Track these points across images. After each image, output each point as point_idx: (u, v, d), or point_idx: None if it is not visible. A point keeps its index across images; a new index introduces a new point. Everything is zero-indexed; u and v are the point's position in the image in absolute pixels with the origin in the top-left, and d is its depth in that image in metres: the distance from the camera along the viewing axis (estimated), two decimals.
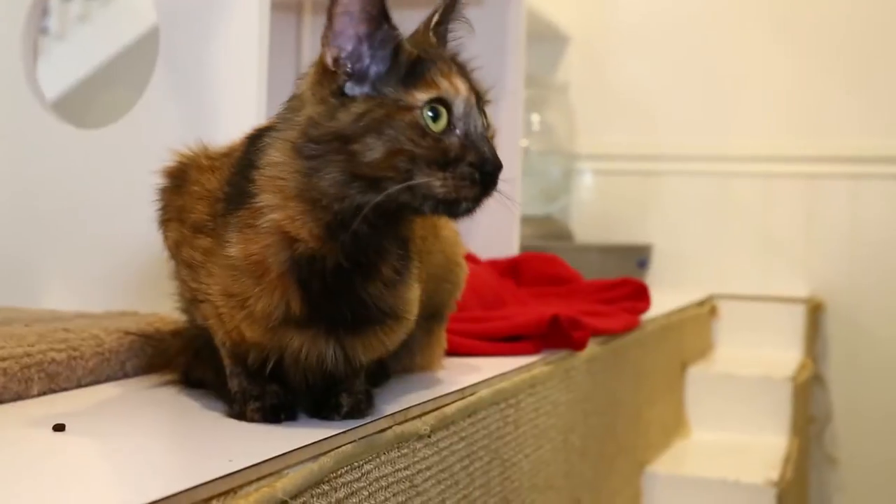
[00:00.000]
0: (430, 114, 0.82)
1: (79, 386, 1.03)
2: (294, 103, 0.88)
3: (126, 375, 1.10)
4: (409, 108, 0.81)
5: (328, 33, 0.84)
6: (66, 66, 3.65)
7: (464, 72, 0.87)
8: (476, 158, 0.82)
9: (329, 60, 0.84)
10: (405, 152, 0.80)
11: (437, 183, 0.81)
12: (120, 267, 1.38)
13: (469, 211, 0.84)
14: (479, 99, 0.86)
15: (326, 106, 0.83)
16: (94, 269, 1.41)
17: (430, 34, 0.90)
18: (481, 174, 0.81)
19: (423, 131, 0.81)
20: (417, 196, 0.81)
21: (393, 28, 0.84)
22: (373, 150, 0.80)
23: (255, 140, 0.89)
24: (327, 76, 0.84)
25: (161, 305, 1.28)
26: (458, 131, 0.83)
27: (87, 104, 3.45)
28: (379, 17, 0.83)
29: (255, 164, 0.86)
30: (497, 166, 0.83)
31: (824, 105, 2.90)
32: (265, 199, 0.85)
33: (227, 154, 0.94)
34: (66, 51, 3.76)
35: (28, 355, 0.97)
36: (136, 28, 3.57)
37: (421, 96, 0.82)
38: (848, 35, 2.89)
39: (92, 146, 1.42)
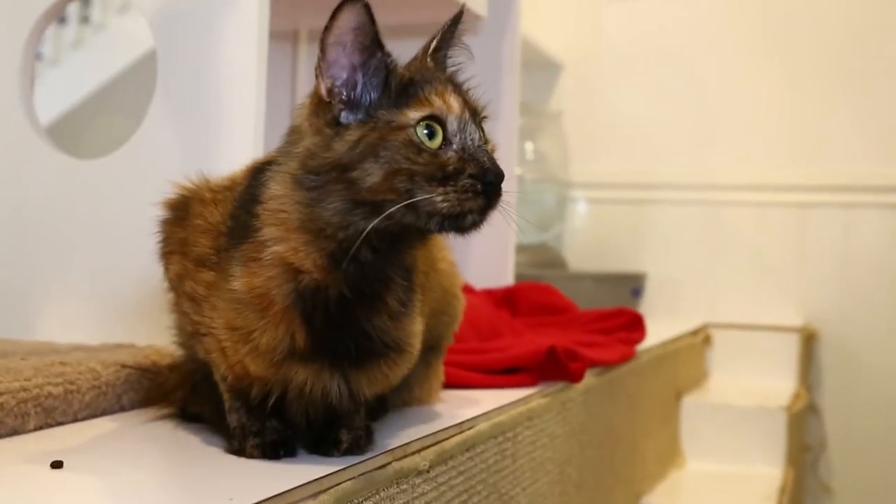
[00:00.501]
0: (424, 131, 0.82)
1: (75, 420, 1.03)
2: (293, 136, 0.88)
3: (122, 409, 1.09)
4: (402, 127, 0.82)
5: (322, 64, 0.84)
6: (59, 92, 3.66)
7: (459, 90, 0.88)
8: (476, 169, 0.81)
9: (323, 91, 0.85)
10: (403, 171, 0.80)
11: (438, 198, 0.80)
12: (116, 298, 1.38)
13: (476, 224, 0.83)
14: (476, 115, 0.87)
15: (322, 136, 0.84)
16: (90, 300, 1.40)
17: (429, 60, 0.91)
18: (484, 184, 0.81)
19: (419, 148, 0.81)
20: (421, 214, 0.81)
21: (386, 55, 0.85)
22: (371, 174, 0.81)
23: (258, 174, 0.89)
24: (322, 107, 0.85)
25: (157, 337, 1.28)
26: (454, 146, 0.83)
27: (80, 130, 3.46)
28: (372, 46, 0.84)
29: (258, 198, 0.86)
30: (499, 175, 0.82)
31: (816, 133, 2.92)
32: (268, 232, 0.85)
33: (229, 187, 0.94)
34: (59, 76, 3.77)
35: (25, 390, 0.96)
36: (129, 55, 3.58)
37: (413, 114, 0.82)
38: (840, 64, 2.91)
39: (88, 176, 1.42)
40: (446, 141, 0.83)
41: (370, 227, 0.81)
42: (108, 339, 1.34)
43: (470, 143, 0.83)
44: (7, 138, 1.47)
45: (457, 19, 0.93)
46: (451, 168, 0.81)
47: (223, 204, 0.91)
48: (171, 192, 0.97)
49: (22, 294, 1.45)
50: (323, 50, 0.84)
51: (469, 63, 0.95)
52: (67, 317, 1.42)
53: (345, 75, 0.84)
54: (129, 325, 1.37)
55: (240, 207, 0.88)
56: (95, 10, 3.82)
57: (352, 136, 0.82)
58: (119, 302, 1.37)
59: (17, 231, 1.46)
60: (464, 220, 0.82)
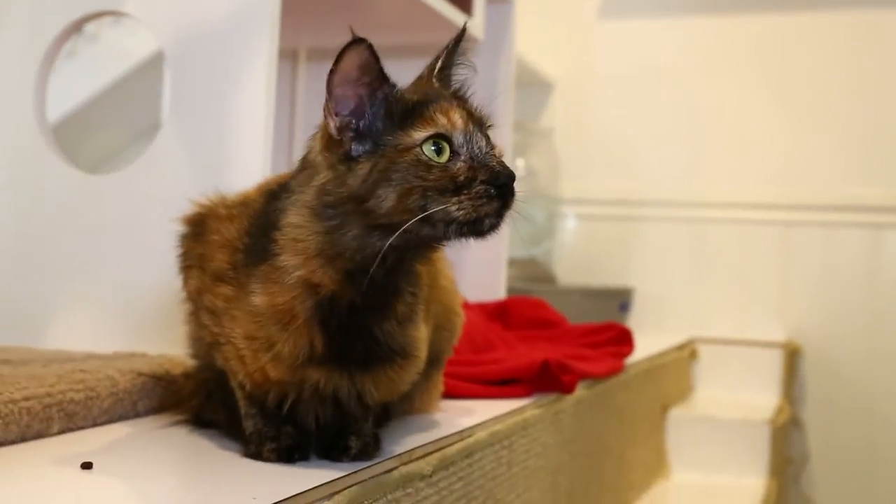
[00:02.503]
0: (432, 148, 0.86)
1: (94, 425, 1.07)
2: (307, 167, 0.92)
3: (138, 415, 1.14)
4: (409, 148, 0.86)
5: (329, 104, 0.88)
6: (52, 103, 3.68)
7: (464, 104, 0.92)
8: (487, 175, 0.85)
9: (333, 130, 0.88)
10: (416, 189, 0.84)
11: (453, 207, 0.84)
12: (125, 309, 1.42)
13: (494, 227, 0.86)
14: (483, 125, 0.90)
15: (336, 172, 0.88)
16: (100, 311, 1.45)
17: (434, 79, 0.95)
18: (496, 187, 0.85)
19: (428, 165, 0.85)
20: (438, 225, 0.85)
21: (391, 86, 0.89)
22: (385, 199, 0.85)
23: (272, 198, 0.94)
24: (333, 143, 0.89)
25: (164, 347, 1.33)
26: (462, 158, 0.86)
27: (73, 140, 3.49)
28: (376, 82, 0.88)
29: (276, 224, 0.91)
30: (510, 176, 0.86)
31: (800, 154, 2.99)
32: (287, 259, 0.89)
33: (243, 203, 0.99)
34: (52, 87, 3.79)
35: (49, 395, 1.01)
36: (122, 66, 3.62)
37: (418, 135, 0.86)
38: (824, 85, 2.99)
39: (99, 191, 1.47)
40: (454, 154, 0.86)
41: (386, 245, 0.86)
42: (116, 348, 1.38)
43: (477, 151, 0.87)
44: (21, 153, 1.52)
45: (459, 38, 0.98)
46: (462, 178, 0.85)
47: (238, 220, 0.96)
48: (188, 209, 1.02)
49: (33, 304, 1.49)
50: (330, 90, 0.88)
51: (471, 78, 1.00)
52: (76, 327, 1.46)
53: (351, 110, 0.88)
54: (136, 335, 1.42)
55: (256, 228, 0.93)
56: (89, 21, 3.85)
57: (363, 168, 0.86)
58: (127, 313, 1.42)
59: (28, 243, 1.50)
60: (482, 225, 0.86)
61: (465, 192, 0.85)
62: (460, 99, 0.93)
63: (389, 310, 0.93)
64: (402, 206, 0.85)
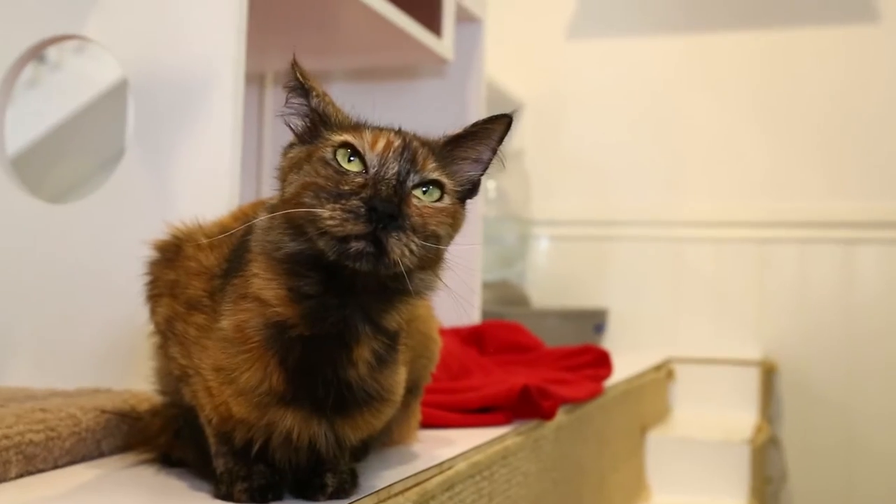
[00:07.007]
0: (346, 155, 0.83)
1: (55, 467, 1.02)
2: None
3: (102, 454, 1.09)
4: (325, 146, 0.85)
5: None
6: (13, 132, 3.62)
7: (405, 139, 0.86)
8: (369, 193, 0.80)
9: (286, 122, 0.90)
10: (311, 185, 0.82)
11: (325, 214, 0.79)
12: (87, 343, 1.37)
13: (361, 254, 0.79)
14: (412, 163, 0.84)
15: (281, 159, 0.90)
16: (61, 345, 1.39)
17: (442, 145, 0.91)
18: (368, 209, 0.79)
19: (327, 163, 0.83)
20: (313, 232, 0.80)
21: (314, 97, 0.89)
22: (291, 185, 0.84)
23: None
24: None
25: (127, 382, 1.28)
26: (365, 175, 0.82)
27: (35, 170, 3.43)
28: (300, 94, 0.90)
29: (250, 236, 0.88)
30: (388, 204, 0.79)
31: (773, 171, 2.99)
32: (253, 266, 0.86)
33: (222, 232, 0.95)
34: (14, 116, 3.73)
35: (6, 437, 0.95)
36: (86, 94, 3.57)
37: (337, 137, 0.85)
38: (797, 102, 2.99)
39: (61, 222, 1.42)
40: (363, 171, 0.83)
41: (295, 250, 0.83)
42: (80, 383, 1.33)
43: (382, 175, 0.82)
44: None
45: (506, 129, 0.91)
46: (346, 188, 0.81)
47: (219, 249, 0.92)
48: (162, 234, 0.98)
49: None
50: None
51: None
52: (39, 362, 1.41)
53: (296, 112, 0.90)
54: (102, 370, 1.36)
55: (235, 252, 0.90)
56: (51, 49, 3.80)
57: (293, 153, 0.88)
58: (91, 347, 1.37)
59: None
60: (348, 246, 0.79)
61: (343, 202, 0.80)
62: (400, 134, 0.88)
63: (348, 350, 0.86)
64: (297, 199, 0.82)
